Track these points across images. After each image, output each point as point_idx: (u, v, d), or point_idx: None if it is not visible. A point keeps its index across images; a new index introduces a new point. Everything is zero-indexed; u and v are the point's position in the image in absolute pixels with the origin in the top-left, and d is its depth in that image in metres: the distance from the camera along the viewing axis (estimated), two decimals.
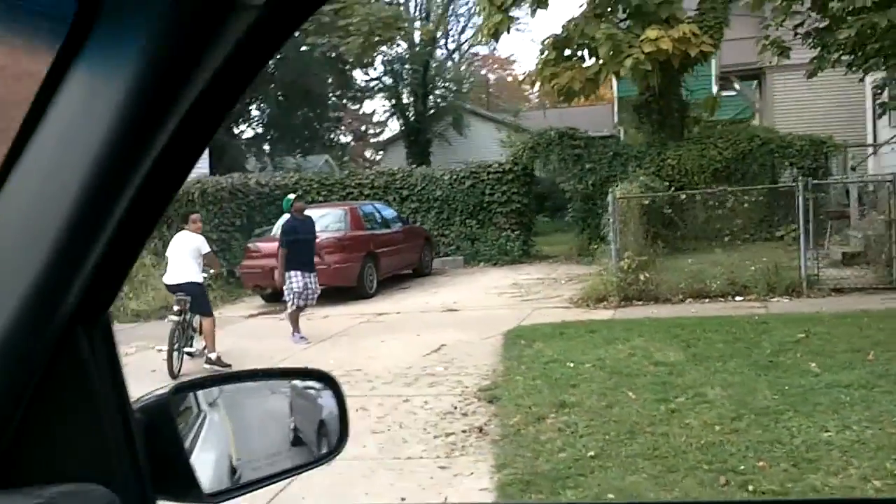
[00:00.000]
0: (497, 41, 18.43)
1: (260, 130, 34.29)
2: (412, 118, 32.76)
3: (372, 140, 52.36)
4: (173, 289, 9.59)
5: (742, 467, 5.21)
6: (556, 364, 8.25)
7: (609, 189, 17.90)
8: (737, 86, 26.37)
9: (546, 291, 14.09)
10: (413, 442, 6.45)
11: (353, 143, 42.89)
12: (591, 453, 5.63)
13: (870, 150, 19.67)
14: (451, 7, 33.33)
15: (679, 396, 6.84)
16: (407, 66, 32.14)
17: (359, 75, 35.03)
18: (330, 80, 37.14)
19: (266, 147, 33.79)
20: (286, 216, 11.42)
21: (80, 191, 0.84)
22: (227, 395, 1.41)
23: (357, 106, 40.11)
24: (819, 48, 12.96)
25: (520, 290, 14.49)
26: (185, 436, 1.18)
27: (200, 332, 9.82)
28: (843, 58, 12.89)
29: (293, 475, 1.47)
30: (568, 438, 6.01)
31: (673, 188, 15.68)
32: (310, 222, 11.32)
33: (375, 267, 15.01)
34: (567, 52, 18.44)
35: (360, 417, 6.79)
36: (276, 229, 15.10)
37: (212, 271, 10.28)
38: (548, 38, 18.77)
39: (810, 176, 17.22)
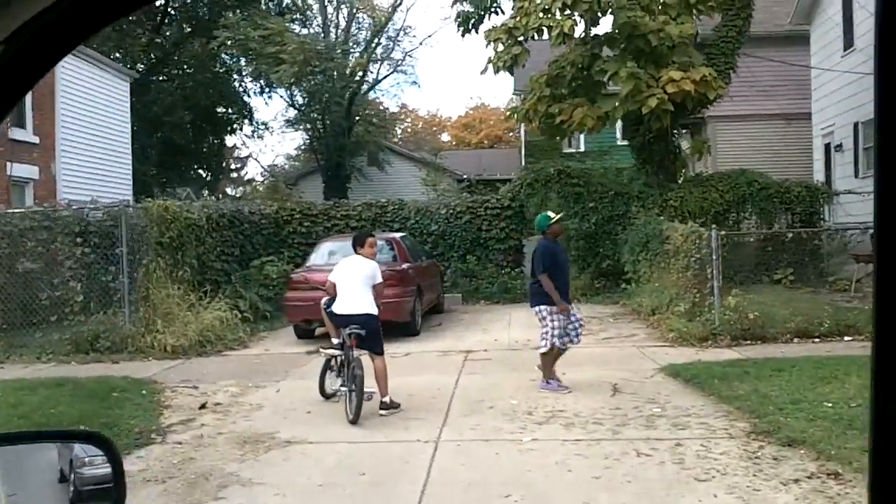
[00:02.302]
0: (512, 74, 17.95)
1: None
2: (333, 152, 31.65)
3: (233, 175, 50.73)
4: (345, 320, 8.40)
5: None
6: (808, 404, 7.79)
7: (609, 229, 17.97)
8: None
9: (609, 330, 13.64)
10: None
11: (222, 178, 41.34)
12: None
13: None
14: (376, 41, 32.77)
15: None
16: (336, 98, 31.08)
17: (260, 105, 34.34)
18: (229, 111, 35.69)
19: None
20: (540, 238, 9.55)
21: None
22: None
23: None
24: None
25: None
26: None
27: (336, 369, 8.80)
28: None
29: None
30: None
31: None
32: (563, 248, 9.91)
33: (420, 302, 14.09)
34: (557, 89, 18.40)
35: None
36: (315, 259, 13.96)
37: None
38: (540, 75, 18.63)
39: (805, 221, 17.90)
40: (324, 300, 8.71)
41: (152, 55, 32.04)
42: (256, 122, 37.48)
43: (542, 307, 9.12)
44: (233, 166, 48.95)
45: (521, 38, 17.22)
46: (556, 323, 9.04)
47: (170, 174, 33.37)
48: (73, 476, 1.64)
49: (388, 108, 37.67)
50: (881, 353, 0.90)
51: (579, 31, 17.76)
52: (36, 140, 20.04)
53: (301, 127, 33.64)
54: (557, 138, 19.74)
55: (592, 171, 20.15)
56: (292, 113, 34.07)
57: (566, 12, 16.43)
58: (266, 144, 52.94)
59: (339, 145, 31.50)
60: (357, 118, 32.37)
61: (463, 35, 20.56)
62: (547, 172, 18.88)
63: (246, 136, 37.18)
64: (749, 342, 11.63)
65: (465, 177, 33.94)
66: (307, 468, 6.76)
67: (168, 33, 34.37)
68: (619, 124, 21.11)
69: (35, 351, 12.43)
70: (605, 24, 18.74)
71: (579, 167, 20.21)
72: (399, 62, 34.20)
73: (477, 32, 20.52)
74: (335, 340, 8.69)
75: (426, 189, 30.85)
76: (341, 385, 8.46)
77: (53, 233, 13.15)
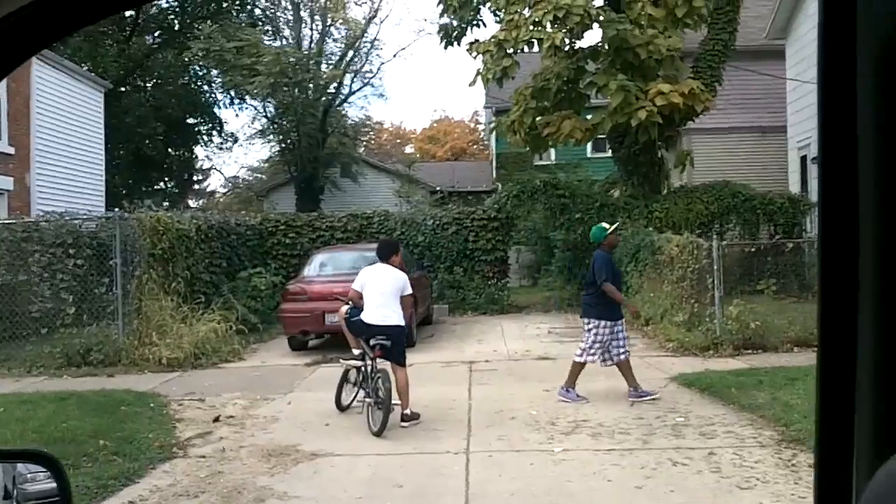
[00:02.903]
0: (501, 86, 17.95)
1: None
2: (307, 164, 31.38)
3: (196, 187, 50.23)
4: (375, 330, 8.27)
5: None
6: None
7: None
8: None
9: None
10: None
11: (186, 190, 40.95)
12: None
13: None
14: (352, 52, 32.67)
15: None
16: (310, 110, 30.86)
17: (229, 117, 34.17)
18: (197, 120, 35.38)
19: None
20: (596, 250, 9.47)
21: None
22: None
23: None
24: None
25: (572, 339, 13.95)
26: None
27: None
28: None
29: None
30: None
31: None
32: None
33: (416, 313, 13.97)
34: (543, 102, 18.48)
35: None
36: (310, 270, 13.81)
37: None
38: (525, 87, 18.70)
39: (788, 232, 18.12)
40: (345, 309, 8.57)
41: (122, 66, 31.56)
42: (226, 134, 37.08)
43: (592, 320, 9.03)
44: (195, 178, 48.48)
45: (510, 51, 17.23)
46: (599, 339, 8.97)
47: (135, 186, 32.91)
48: (15, 492, 1.62)
49: (354, 121, 37.45)
50: (825, 356, 0.95)
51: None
52: (11, 151, 19.61)
53: (274, 139, 33.31)
54: (537, 151, 19.72)
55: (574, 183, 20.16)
56: (260, 125, 33.76)
57: (556, 25, 16.47)
58: (229, 156, 52.65)
59: (312, 157, 31.26)
60: (331, 130, 32.17)
61: (445, 47, 20.62)
62: (533, 184, 18.88)
63: (217, 147, 36.59)
64: (751, 351, 11.70)
65: (438, 189, 33.95)
66: (341, 481, 6.64)
67: (138, 45, 33.92)
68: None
69: (24, 364, 12.11)
70: (589, 38, 18.87)
71: (564, 179, 20.25)
72: (374, 74, 34.15)
73: (459, 45, 20.59)
74: (356, 352, 8.56)
75: (399, 201, 30.80)
76: (365, 396, 8.34)
77: (44, 244, 12.82)
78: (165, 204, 33.97)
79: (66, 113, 22.08)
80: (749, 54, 23.74)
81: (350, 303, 8.59)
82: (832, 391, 0.94)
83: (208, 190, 49.09)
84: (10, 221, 13.78)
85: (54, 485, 1.56)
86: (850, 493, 0.92)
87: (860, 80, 0.87)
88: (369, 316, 8.26)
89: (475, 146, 62.84)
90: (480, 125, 63.88)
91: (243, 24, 32.10)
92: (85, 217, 13.48)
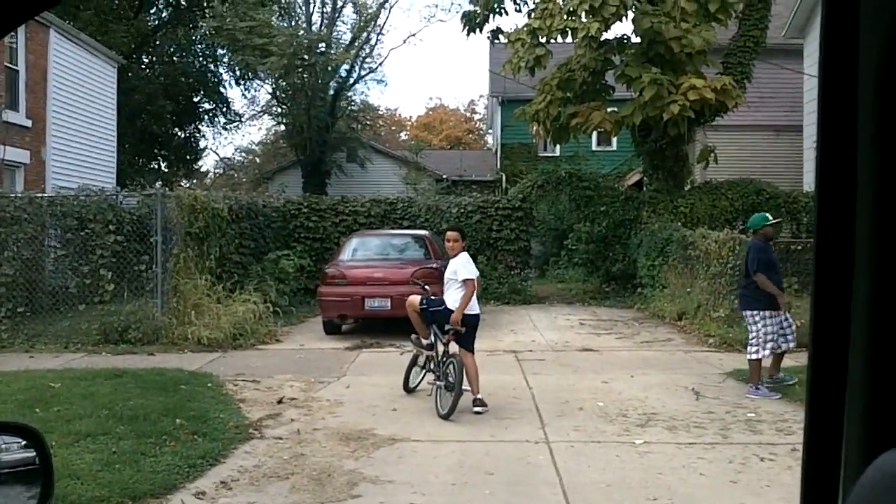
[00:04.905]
0: (533, 75, 17.86)
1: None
2: (315, 147, 31.18)
3: (193, 167, 49.89)
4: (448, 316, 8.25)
5: None
6: None
7: (619, 233, 18.03)
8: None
9: (642, 334, 13.63)
10: None
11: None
12: None
13: None
14: (365, 35, 32.44)
15: None
16: (320, 94, 30.64)
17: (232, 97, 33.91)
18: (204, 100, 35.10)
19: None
20: (752, 238, 9.38)
21: None
22: None
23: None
24: None
25: (607, 331, 13.98)
26: None
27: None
28: None
29: None
30: None
31: None
32: (772, 249, 9.57)
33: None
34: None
35: None
36: (347, 254, 13.72)
37: None
38: (551, 77, 18.61)
39: (810, 231, 18.17)
40: (419, 299, 8.53)
41: (131, 41, 31.20)
42: (233, 113, 36.78)
43: (753, 311, 8.90)
44: (188, 157, 48.17)
45: (542, 40, 17.14)
46: (768, 328, 8.79)
47: (141, 163, 32.61)
48: None
49: (360, 105, 37.28)
50: (816, 354, 0.96)
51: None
52: (28, 124, 19.35)
53: (282, 120, 33.08)
54: (559, 141, 19.64)
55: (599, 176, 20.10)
56: (259, 107, 33.59)
57: (591, 15, 16.39)
58: (224, 137, 52.52)
59: (321, 140, 31.08)
60: (339, 115, 31.99)
61: (468, 35, 20.52)
62: (558, 175, 18.82)
63: (223, 127, 36.30)
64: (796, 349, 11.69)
65: (444, 177, 33.87)
66: (429, 466, 6.58)
67: (145, 22, 33.54)
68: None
69: (60, 340, 11.97)
70: (615, 29, 18.81)
71: (588, 171, 20.21)
72: (384, 59, 34.01)
73: (481, 32, 20.49)
74: (425, 341, 8.51)
75: (406, 187, 30.71)
76: (435, 380, 8.30)
77: (83, 220, 12.65)
78: (158, 183, 33.68)
79: (81, 87, 21.81)
80: (766, 52, 23.79)
81: (424, 293, 8.58)
82: (823, 389, 0.95)
83: (202, 170, 48.85)
84: (49, 195, 13.58)
85: (30, 454, 1.57)
86: (837, 491, 0.93)
87: (862, 80, 0.86)
88: (453, 302, 8.24)
89: (471, 135, 62.60)
90: (477, 114, 63.83)
91: (253, 2, 31.79)
92: (126, 193, 13.29)
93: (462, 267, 8.26)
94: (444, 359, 8.24)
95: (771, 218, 9.28)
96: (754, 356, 8.88)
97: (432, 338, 8.45)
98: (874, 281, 0.86)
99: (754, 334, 8.90)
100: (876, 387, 0.87)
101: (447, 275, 8.39)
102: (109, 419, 7.36)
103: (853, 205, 0.88)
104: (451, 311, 8.14)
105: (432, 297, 8.49)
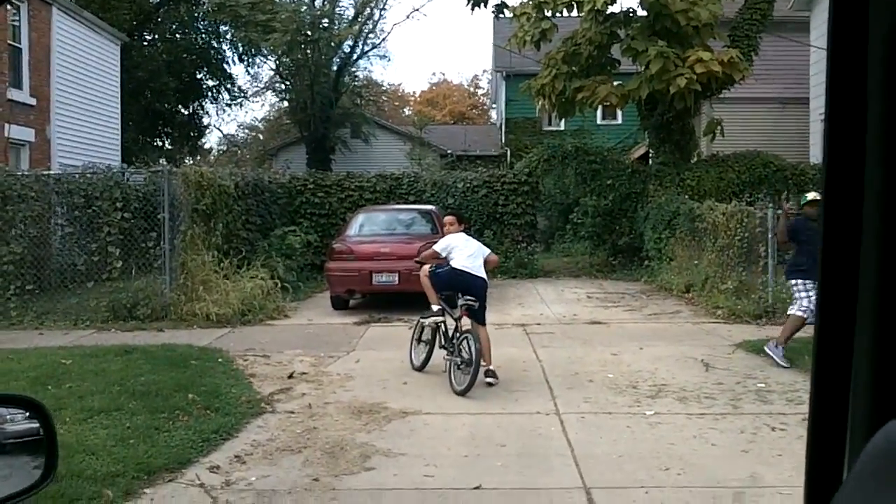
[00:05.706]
0: (538, 48, 17.74)
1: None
2: (319, 123, 31.07)
3: (196, 145, 49.79)
4: (464, 279, 8.34)
5: None
6: None
7: (626, 206, 17.99)
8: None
9: (650, 307, 13.62)
10: None
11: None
12: None
13: None
14: (368, 9, 32.24)
15: None
16: (323, 69, 30.49)
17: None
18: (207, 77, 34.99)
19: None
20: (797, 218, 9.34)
21: None
22: None
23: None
24: None
25: (615, 304, 13.98)
26: None
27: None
28: None
29: None
30: None
31: None
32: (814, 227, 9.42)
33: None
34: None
35: None
36: (354, 229, 13.72)
37: None
38: (557, 51, 18.49)
39: None
40: (428, 267, 8.55)
41: (134, 18, 31.06)
42: (237, 90, 36.67)
43: (798, 280, 9.00)
44: (192, 134, 48.11)
45: (547, 13, 17.02)
46: (812, 295, 8.76)
47: (145, 141, 32.58)
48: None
49: (364, 82, 37.14)
50: (823, 323, 0.96)
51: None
52: (33, 102, 19.31)
53: (286, 96, 32.97)
54: (564, 115, 19.56)
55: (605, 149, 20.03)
56: (261, 83, 33.47)
57: None
58: (228, 114, 52.42)
59: (324, 116, 30.97)
60: (343, 90, 31.86)
61: (472, 9, 20.33)
62: (564, 149, 18.76)
63: (226, 104, 36.22)
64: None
65: (448, 152, 33.79)
66: (441, 439, 6.60)
67: None
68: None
69: (69, 317, 12.01)
70: (621, 2, 18.65)
71: (594, 145, 20.14)
72: (387, 34, 33.82)
73: (486, 6, 20.33)
74: (434, 307, 8.52)
75: (410, 163, 30.64)
76: (448, 355, 8.31)
77: (90, 197, 12.66)
78: (163, 160, 33.70)
79: (85, 65, 21.74)
80: (773, 25, 23.60)
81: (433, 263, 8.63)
82: (829, 358, 0.95)
83: (206, 147, 48.82)
84: (56, 173, 13.57)
85: (34, 425, 1.58)
86: (843, 460, 0.94)
87: (871, 69, 0.85)
88: (461, 264, 8.25)
89: (474, 110, 62.32)
90: (481, 89, 63.53)
91: None
92: (132, 171, 13.29)
93: (476, 244, 8.44)
94: (458, 335, 8.25)
95: (808, 197, 9.24)
96: (801, 313, 8.91)
97: (442, 304, 8.46)
98: (882, 251, 0.86)
99: (803, 300, 8.94)
100: (882, 355, 0.87)
101: (447, 244, 8.44)
102: (122, 395, 7.39)
103: (861, 178, 0.88)
104: (460, 272, 8.21)
105: (439, 266, 8.54)
